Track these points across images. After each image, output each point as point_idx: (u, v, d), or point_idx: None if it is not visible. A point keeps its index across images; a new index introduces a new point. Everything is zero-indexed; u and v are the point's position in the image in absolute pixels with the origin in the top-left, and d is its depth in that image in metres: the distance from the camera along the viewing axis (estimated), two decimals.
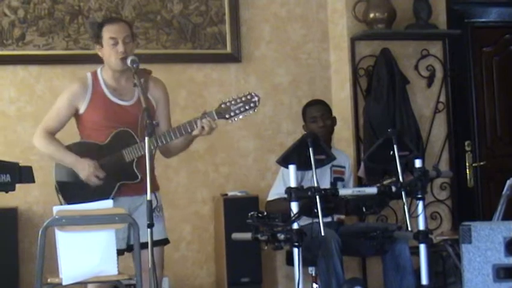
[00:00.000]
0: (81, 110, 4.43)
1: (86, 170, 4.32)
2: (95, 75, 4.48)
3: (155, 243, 4.02)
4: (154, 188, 4.40)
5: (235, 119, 4.34)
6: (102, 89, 4.45)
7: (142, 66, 4.40)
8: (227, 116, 4.32)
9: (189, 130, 4.31)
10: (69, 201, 4.28)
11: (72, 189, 4.38)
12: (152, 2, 6.12)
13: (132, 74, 4.22)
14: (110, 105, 4.41)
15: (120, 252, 4.16)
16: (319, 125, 5.40)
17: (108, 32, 4.40)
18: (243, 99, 4.33)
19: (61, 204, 4.33)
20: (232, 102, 4.32)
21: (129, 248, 4.35)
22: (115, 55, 4.36)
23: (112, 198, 4.24)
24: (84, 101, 4.42)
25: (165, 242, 4.50)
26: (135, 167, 4.33)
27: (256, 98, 4.33)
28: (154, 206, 3.98)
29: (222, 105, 4.33)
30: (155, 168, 4.52)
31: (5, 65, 5.89)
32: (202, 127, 4.28)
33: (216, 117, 4.31)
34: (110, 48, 4.38)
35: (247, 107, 4.33)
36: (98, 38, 4.44)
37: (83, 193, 4.31)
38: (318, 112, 5.45)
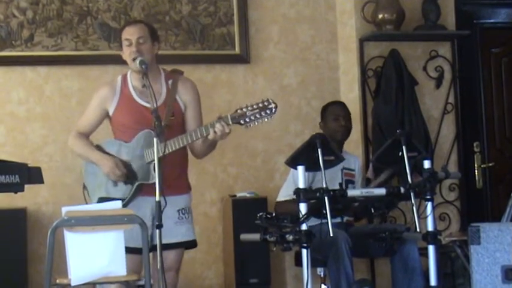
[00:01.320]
0: (111, 112, 4.53)
1: (106, 166, 4.41)
2: (124, 77, 4.57)
3: (177, 245, 4.04)
4: (183, 190, 4.50)
5: (251, 125, 4.29)
6: (130, 91, 4.51)
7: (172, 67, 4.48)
8: (242, 122, 4.27)
9: (205, 134, 4.30)
10: (94, 199, 4.44)
11: (98, 186, 4.49)
12: (161, 2, 6.13)
13: (142, 75, 4.23)
14: (136, 107, 4.47)
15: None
16: (341, 123, 5.42)
17: (124, 34, 4.49)
18: (260, 105, 4.27)
19: (86, 202, 4.47)
20: (249, 108, 4.26)
21: (152, 248, 4.36)
22: (129, 56, 4.42)
23: (131, 198, 4.33)
24: (112, 103, 4.52)
25: (186, 244, 4.52)
26: (153, 167, 4.35)
27: (272, 105, 4.26)
28: (163, 207, 3.98)
29: (238, 111, 4.28)
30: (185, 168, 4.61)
31: (14, 66, 5.91)
32: (215, 131, 4.27)
33: (230, 122, 4.27)
34: (126, 49, 4.45)
35: (263, 114, 4.26)
36: (119, 41, 4.54)
37: (105, 190, 4.43)
38: (341, 111, 5.49)
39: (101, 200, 4.40)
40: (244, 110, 4.26)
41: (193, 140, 4.33)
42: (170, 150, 4.22)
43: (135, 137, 4.42)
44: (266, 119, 4.29)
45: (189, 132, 4.35)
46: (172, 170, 4.40)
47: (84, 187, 4.58)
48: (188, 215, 4.52)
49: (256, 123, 4.28)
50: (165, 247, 4.09)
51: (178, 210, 4.40)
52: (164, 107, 4.42)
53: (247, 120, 4.26)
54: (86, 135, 4.60)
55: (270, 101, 4.27)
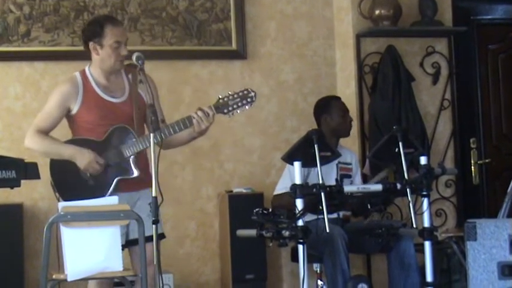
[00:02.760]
0: (74, 110, 4.42)
1: (85, 158, 4.31)
2: (83, 74, 4.49)
3: (147, 239, 4.02)
4: (150, 183, 4.43)
5: (233, 113, 4.40)
6: (93, 87, 4.45)
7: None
8: (225, 111, 4.37)
9: (188, 124, 4.34)
10: (66, 199, 4.23)
11: (69, 186, 4.37)
12: None
13: (138, 70, 4.23)
14: (102, 104, 4.42)
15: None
16: (348, 119, 5.49)
17: (114, 35, 4.40)
18: (240, 94, 4.39)
19: (59, 202, 4.30)
20: (230, 98, 4.37)
21: (127, 244, 4.36)
22: (116, 57, 4.39)
23: (110, 194, 4.26)
24: (76, 100, 4.41)
25: (160, 237, 4.46)
26: (132, 162, 4.34)
27: (252, 94, 4.40)
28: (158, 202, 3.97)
29: (220, 100, 4.38)
30: (148, 162, 4.51)
31: (11, 61, 5.90)
32: (200, 118, 4.31)
33: (214, 111, 4.34)
34: (112, 50, 4.39)
35: (244, 102, 4.39)
36: (98, 38, 4.42)
37: (80, 190, 4.31)
38: (345, 108, 5.57)
39: (75, 199, 4.14)
40: (226, 99, 4.36)
41: (177, 131, 4.34)
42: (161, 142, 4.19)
43: (106, 134, 4.37)
44: (247, 107, 4.41)
45: (174, 123, 4.34)
46: (144, 164, 4.42)
47: (54, 188, 4.40)
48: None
49: (238, 112, 4.39)
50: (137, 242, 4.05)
51: (149, 204, 4.32)
52: (130, 101, 4.42)
53: (230, 109, 4.37)
54: (46, 134, 4.44)
55: (250, 89, 4.41)
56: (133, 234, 4.22)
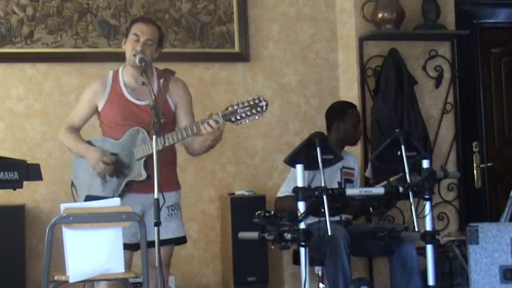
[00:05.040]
0: (100, 108, 4.49)
1: (92, 156, 4.37)
2: (116, 73, 4.53)
3: (167, 241, 4.03)
4: (173, 186, 4.46)
5: (241, 122, 4.21)
6: (121, 87, 4.48)
7: (164, 66, 4.48)
8: (233, 120, 4.19)
9: (195, 131, 4.26)
10: (85, 199, 4.35)
11: (86, 184, 4.44)
12: (161, 0, 6.13)
13: (141, 72, 4.24)
14: (126, 104, 4.44)
15: (134, 247, 4.24)
16: (359, 130, 5.53)
17: (135, 28, 4.45)
18: (251, 103, 4.18)
19: (74, 199, 4.43)
20: (240, 106, 4.18)
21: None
22: (131, 50, 4.39)
23: (120, 195, 4.27)
24: (102, 98, 4.48)
25: (176, 241, 4.50)
26: (142, 165, 4.34)
27: (264, 103, 4.16)
28: (160, 204, 3.97)
29: (229, 108, 4.20)
30: (174, 166, 4.56)
31: (14, 63, 5.91)
32: (211, 126, 4.22)
33: (221, 119, 4.20)
34: (131, 43, 4.42)
35: (254, 111, 4.18)
36: (127, 32, 4.51)
37: (93, 188, 4.38)
38: (359, 118, 5.59)
39: (88, 198, 4.32)
40: (236, 107, 4.18)
41: (184, 137, 4.28)
42: (160, 147, 4.17)
43: (125, 134, 4.39)
44: (257, 117, 4.20)
45: (180, 129, 4.31)
46: (163, 167, 4.38)
47: (73, 184, 4.53)
48: (177, 212, 4.49)
49: (247, 121, 4.20)
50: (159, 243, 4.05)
51: (168, 207, 4.35)
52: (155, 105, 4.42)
53: (238, 117, 4.18)
54: (76, 129, 4.55)
55: (261, 98, 4.19)
56: (150, 236, 4.18)
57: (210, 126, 4.20)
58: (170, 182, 4.45)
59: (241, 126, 4.34)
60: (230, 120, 4.19)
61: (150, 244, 4.16)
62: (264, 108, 4.17)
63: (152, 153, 4.06)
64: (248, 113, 4.17)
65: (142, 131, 4.35)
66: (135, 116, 4.39)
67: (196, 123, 4.29)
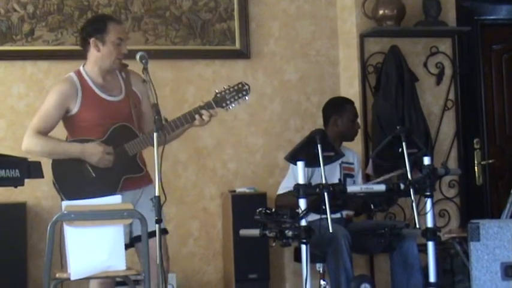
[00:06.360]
0: (74, 111, 4.40)
1: (95, 152, 4.31)
2: (79, 73, 4.47)
3: (150, 234, 4.00)
4: (151, 179, 4.45)
5: (230, 107, 4.50)
6: (91, 87, 4.44)
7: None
8: (224, 105, 4.48)
9: (190, 120, 4.42)
10: (70, 198, 4.17)
11: (74, 187, 4.34)
12: None
13: (142, 70, 4.23)
14: (101, 103, 4.41)
15: (125, 246, 4.18)
16: (356, 125, 5.53)
17: (117, 32, 4.42)
18: (236, 88, 4.51)
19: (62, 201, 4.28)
20: (226, 92, 4.48)
21: (132, 241, 4.38)
22: (117, 54, 4.40)
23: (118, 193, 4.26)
24: (75, 101, 4.39)
25: (163, 232, 4.43)
26: (138, 160, 4.36)
27: (246, 86, 4.52)
28: (162, 202, 3.97)
29: (218, 95, 4.48)
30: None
31: (14, 61, 5.91)
32: (203, 118, 4.41)
33: (214, 107, 4.44)
34: (114, 47, 4.40)
35: (240, 95, 4.51)
36: (101, 34, 4.42)
37: (87, 189, 4.28)
38: (356, 113, 5.60)
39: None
40: (223, 93, 4.48)
41: (179, 127, 4.40)
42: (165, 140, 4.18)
43: (107, 133, 4.36)
44: (242, 100, 4.53)
45: (174, 121, 4.37)
46: (144, 161, 4.47)
47: (56, 188, 4.38)
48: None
49: (234, 105, 4.51)
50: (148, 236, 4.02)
51: (150, 199, 4.30)
52: (128, 100, 4.44)
53: (228, 102, 4.49)
54: (46, 135, 4.39)
55: (243, 82, 4.54)
56: (137, 231, 4.19)
57: (208, 116, 4.42)
58: (149, 174, 4.47)
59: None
60: (221, 106, 4.49)
61: (137, 239, 4.18)
62: (248, 91, 4.53)
63: (143, 148, 4.33)
64: (235, 97, 4.51)
65: (128, 127, 4.37)
66: (112, 112, 4.39)
67: (190, 113, 4.43)
